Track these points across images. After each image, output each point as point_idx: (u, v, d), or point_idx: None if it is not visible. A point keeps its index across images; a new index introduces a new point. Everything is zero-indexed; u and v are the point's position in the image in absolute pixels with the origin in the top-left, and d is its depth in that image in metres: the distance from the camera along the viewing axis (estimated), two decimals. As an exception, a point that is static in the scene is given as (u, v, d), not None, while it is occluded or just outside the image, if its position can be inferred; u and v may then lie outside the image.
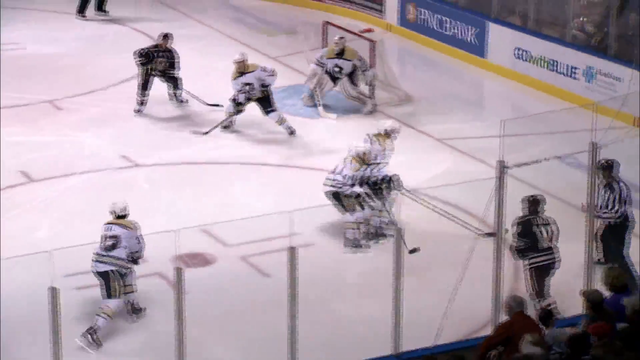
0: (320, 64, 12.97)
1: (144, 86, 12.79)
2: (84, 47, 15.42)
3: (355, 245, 9.70)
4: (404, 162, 11.26)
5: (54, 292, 6.51)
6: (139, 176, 11.18)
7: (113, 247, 8.43)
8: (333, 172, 9.91)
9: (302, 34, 16.89)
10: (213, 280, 9.11)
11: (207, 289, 8.77)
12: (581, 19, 13.88)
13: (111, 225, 8.55)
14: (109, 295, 8.36)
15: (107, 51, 15.25)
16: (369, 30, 13.83)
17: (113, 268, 8.38)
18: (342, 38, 13.02)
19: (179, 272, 6.78)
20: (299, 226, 7.39)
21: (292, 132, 12.31)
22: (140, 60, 12.75)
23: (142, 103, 12.88)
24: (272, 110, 12.27)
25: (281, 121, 12.31)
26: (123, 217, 8.67)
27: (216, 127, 12.10)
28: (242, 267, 9.36)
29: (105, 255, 8.42)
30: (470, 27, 14.98)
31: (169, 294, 7.20)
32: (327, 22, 14.32)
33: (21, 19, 16.75)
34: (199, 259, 9.35)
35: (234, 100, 12.31)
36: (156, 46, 12.96)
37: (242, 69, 12.18)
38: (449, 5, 15.67)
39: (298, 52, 15.33)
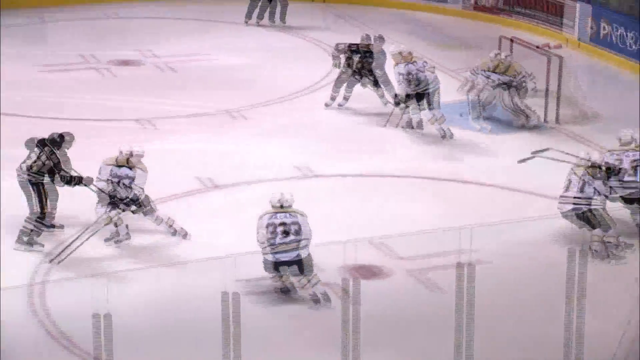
0: (475, 73, 12.98)
1: (338, 82, 13.21)
2: (268, 58, 15.82)
3: (601, 257, 9.41)
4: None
5: (234, 296, 6.59)
6: (317, 187, 11.32)
7: (287, 234, 8.58)
8: (566, 190, 9.59)
9: (482, 48, 16.75)
10: (382, 293, 9.10)
11: (375, 301, 8.77)
12: None
13: (283, 213, 8.66)
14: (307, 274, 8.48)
15: (288, 62, 15.60)
16: (557, 47, 13.60)
17: (302, 255, 8.51)
18: (498, 54, 12.90)
19: (349, 282, 6.80)
20: (471, 242, 7.30)
21: (444, 136, 12.28)
22: (337, 54, 13.18)
23: (332, 98, 13.33)
24: (430, 108, 12.30)
25: (436, 121, 12.29)
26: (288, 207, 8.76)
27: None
28: (412, 281, 9.33)
29: (286, 243, 8.56)
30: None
31: (338, 304, 7.21)
32: (510, 38, 14.12)
33: (208, 31, 17.40)
34: (369, 271, 9.40)
35: (395, 97, 12.50)
36: (357, 44, 13.18)
37: (406, 59, 12.36)
38: (632, 18, 15.16)
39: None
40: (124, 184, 9.72)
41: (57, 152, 9.83)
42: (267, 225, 8.64)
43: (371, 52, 13.14)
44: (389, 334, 8.47)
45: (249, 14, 17.47)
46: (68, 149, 9.97)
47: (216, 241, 9.85)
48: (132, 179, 9.74)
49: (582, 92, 13.42)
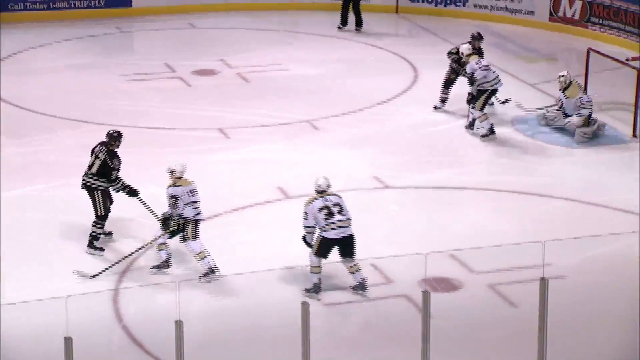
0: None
1: (447, 84, 13.51)
2: (344, 69, 15.82)
3: None
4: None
5: (305, 308, 6.63)
6: (389, 198, 11.26)
7: (340, 213, 9.09)
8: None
9: (563, 60, 16.51)
10: (459, 307, 9.00)
11: (453, 315, 8.66)
12: None
13: (332, 196, 9.20)
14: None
15: (365, 74, 15.57)
16: (636, 59, 13.24)
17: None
18: (562, 76, 12.78)
19: (426, 295, 6.73)
20: (551, 257, 7.14)
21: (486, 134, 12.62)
22: (452, 58, 13.47)
23: (443, 101, 13.59)
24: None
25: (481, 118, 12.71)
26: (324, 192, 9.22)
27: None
28: (490, 295, 9.19)
29: (345, 219, 9.06)
30: None
31: (415, 317, 7.14)
32: (591, 49, 13.88)
33: (286, 41, 17.48)
34: (446, 284, 9.27)
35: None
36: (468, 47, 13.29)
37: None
38: None
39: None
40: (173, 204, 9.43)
41: (107, 152, 9.80)
42: (321, 209, 9.08)
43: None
44: (466, 347, 8.34)
45: (343, 21, 17.68)
46: (118, 147, 9.91)
47: (287, 251, 9.84)
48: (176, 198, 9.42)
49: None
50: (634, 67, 12.92)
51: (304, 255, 9.37)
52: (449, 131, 13.12)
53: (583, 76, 13.66)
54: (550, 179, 11.62)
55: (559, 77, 12.83)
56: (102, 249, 9.84)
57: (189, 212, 9.38)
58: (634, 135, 12.76)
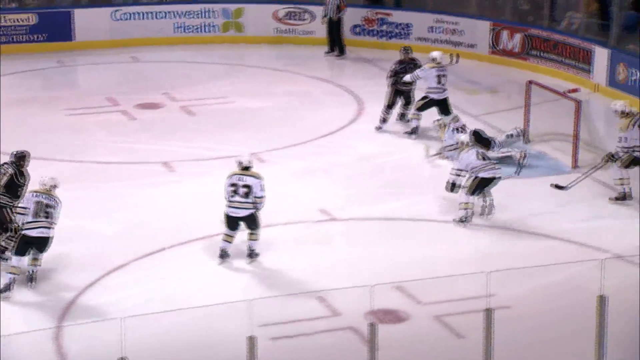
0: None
1: (390, 106, 13.91)
2: (290, 102, 15.85)
3: None
4: (611, 225, 10.88)
5: (251, 342, 6.54)
6: (336, 230, 11.25)
7: (247, 195, 10.06)
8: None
9: (505, 92, 16.74)
10: (406, 338, 8.97)
11: (400, 347, 8.64)
12: None
13: (242, 175, 10.19)
14: (257, 227, 10.16)
15: (311, 107, 15.62)
16: (575, 91, 13.48)
17: (253, 211, 10.10)
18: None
19: (372, 327, 6.69)
20: (496, 287, 7.16)
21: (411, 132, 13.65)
22: (391, 81, 14.03)
23: (384, 120, 14.00)
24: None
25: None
26: (247, 168, 10.23)
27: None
28: (436, 326, 9.19)
29: (244, 202, 10.06)
30: (684, 88, 14.39)
31: (361, 349, 7.11)
32: (531, 82, 14.10)
33: (232, 74, 17.48)
34: (393, 316, 9.26)
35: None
36: (401, 62, 14.01)
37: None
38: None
39: (499, 111, 15.19)
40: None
41: (16, 168, 9.94)
42: (231, 185, 10.17)
43: (415, 61, 14.11)
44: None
45: (330, 47, 18.31)
46: (24, 167, 10.04)
47: (231, 286, 9.75)
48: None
49: (600, 137, 13.28)
50: (573, 99, 13.14)
51: (252, 290, 9.30)
52: (396, 162, 13.17)
53: (524, 107, 13.85)
54: (494, 209, 11.70)
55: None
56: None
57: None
58: (574, 165, 12.95)
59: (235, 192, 10.16)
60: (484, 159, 11.37)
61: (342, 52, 18.27)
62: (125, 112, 15.15)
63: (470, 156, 11.37)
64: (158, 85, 16.46)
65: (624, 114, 11.82)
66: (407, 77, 13.94)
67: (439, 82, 13.80)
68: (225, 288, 9.77)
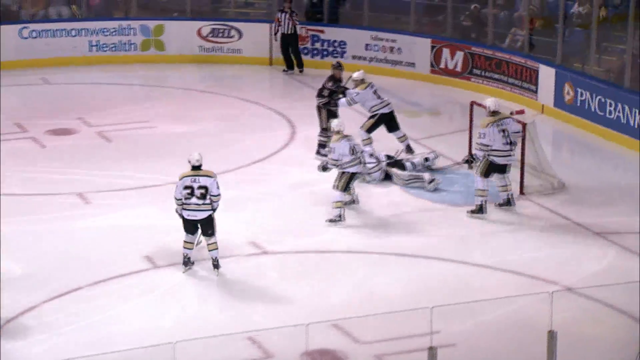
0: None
1: (327, 128, 13.81)
2: (218, 126, 15.84)
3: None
4: (559, 256, 11.10)
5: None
6: (268, 264, 11.27)
7: (204, 196, 10.60)
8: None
9: (447, 114, 16.99)
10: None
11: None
12: None
13: (196, 176, 10.68)
14: (213, 233, 10.69)
15: (240, 131, 15.64)
16: (520, 112, 13.73)
17: (210, 213, 10.64)
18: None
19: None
20: (439, 323, 7.25)
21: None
22: (321, 102, 14.17)
23: (323, 146, 14.02)
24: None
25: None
26: (199, 167, 10.70)
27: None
28: (377, 366, 9.25)
29: (202, 204, 10.60)
30: (636, 110, 14.71)
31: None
32: (475, 102, 14.33)
33: (153, 97, 17.45)
34: (330, 356, 9.31)
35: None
36: (334, 79, 14.26)
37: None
38: (612, 86, 15.46)
39: (441, 134, 15.44)
40: None
41: None
42: (186, 187, 10.64)
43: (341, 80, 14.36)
44: None
45: (289, 65, 18.61)
46: None
47: (157, 324, 9.74)
48: None
49: (547, 160, 13.54)
50: (519, 121, 13.36)
51: (177, 331, 9.26)
52: (331, 191, 13.25)
53: (467, 130, 14.08)
54: (437, 240, 11.81)
55: None
56: None
57: None
58: (521, 192, 13.19)
59: (192, 194, 10.68)
60: (354, 152, 12.20)
61: (301, 67, 18.53)
62: (35, 139, 15.01)
63: (344, 148, 12.17)
64: (71, 110, 16.34)
65: (492, 113, 12.48)
66: (344, 102, 14.08)
67: (379, 97, 14.05)
68: (149, 329, 9.69)
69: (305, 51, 19.12)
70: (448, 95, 17.63)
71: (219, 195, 10.77)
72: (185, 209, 10.74)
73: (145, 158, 14.37)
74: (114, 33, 19.19)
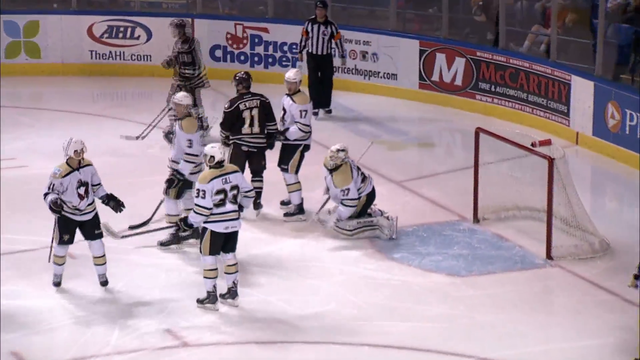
0: None
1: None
2: (117, 163, 15.76)
3: None
4: (601, 349, 11.21)
5: None
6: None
7: (236, 198, 11.60)
8: None
9: (442, 146, 17.02)
10: None
11: None
12: None
13: (226, 175, 11.50)
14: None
15: (150, 169, 15.53)
16: (545, 143, 13.69)
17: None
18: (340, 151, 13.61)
19: None
20: None
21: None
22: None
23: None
24: None
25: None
26: (222, 163, 11.60)
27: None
28: None
29: (237, 211, 11.63)
30: None
31: None
32: (481, 129, 14.30)
33: (26, 124, 17.37)
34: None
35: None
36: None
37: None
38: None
39: (435, 174, 15.46)
40: None
41: None
42: (219, 192, 11.44)
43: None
44: None
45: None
46: None
47: None
48: None
49: (586, 212, 13.49)
50: (543, 155, 13.32)
51: None
52: (280, 254, 13.31)
53: (473, 168, 14.07)
54: (425, 326, 11.79)
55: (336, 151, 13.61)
56: None
57: None
58: (549, 256, 13.20)
59: (225, 199, 11.49)
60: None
61: (329, 105, 18.27)
62: None
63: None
64: None
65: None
66: (294, 134, 14.11)
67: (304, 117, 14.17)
68: None
69: (242, 57, 19.12)
70: (444, 120, 17.68)
71: (252, 189, 11.83)
72: (221, 220, 11.55)
73: (11, 211, 14.26)
74: (-35, 34, 19.18)
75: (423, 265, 13.04)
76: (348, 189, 13.55)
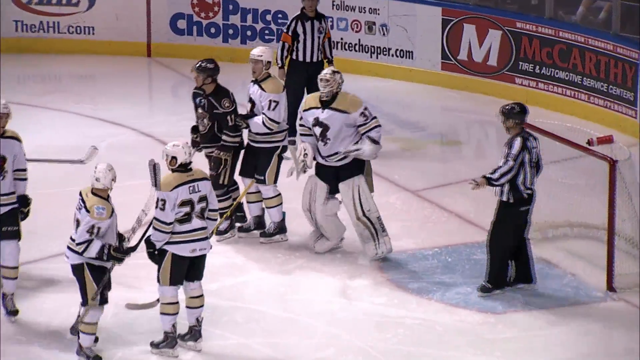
0: None
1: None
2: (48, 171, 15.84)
3: None
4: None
5: None
6: None
7: (203, 212, 11.63)
8: None
9: (472, 143, 17.07)
10: None
11: None
12: None
13: (193, 182, 11.50)
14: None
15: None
16: (606, 140, 13.70)
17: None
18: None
19: None
20: None
21: None
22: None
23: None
24: None
25: None
26: (189, 166, 11.60)
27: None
28: None
29: (204, 228, 11.65)
30: None
31: None
32: (526, 124, 14.36)
33: None
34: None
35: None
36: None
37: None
38: None
39: (460, 182, 15.50)
40: None
41: None
42: (184, 203, 11.53)
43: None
44: None
45: None
46: None
47: None
48: None
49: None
50: (603, 157, 13.34)
51: None
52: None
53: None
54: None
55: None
56: None
57: None
58: (610, 287, 13.21)
59: (191, 213, 11.58)
60: None
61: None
62: None
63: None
64: None
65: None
66: (258, 124, 13.96)
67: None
68: None
69: (213, 30, 19.19)
70: (474, 111, 17.79)
71: (217, 210, 11.98)
72: (181, 241, 11.55)
73: None
74: None
75: (447, 299, 13.08)
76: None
